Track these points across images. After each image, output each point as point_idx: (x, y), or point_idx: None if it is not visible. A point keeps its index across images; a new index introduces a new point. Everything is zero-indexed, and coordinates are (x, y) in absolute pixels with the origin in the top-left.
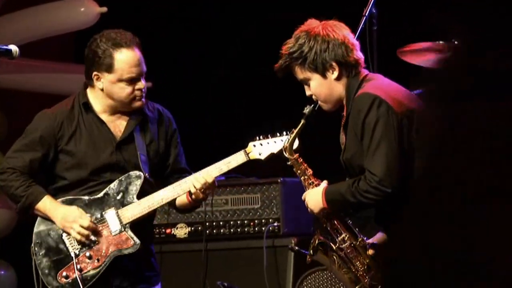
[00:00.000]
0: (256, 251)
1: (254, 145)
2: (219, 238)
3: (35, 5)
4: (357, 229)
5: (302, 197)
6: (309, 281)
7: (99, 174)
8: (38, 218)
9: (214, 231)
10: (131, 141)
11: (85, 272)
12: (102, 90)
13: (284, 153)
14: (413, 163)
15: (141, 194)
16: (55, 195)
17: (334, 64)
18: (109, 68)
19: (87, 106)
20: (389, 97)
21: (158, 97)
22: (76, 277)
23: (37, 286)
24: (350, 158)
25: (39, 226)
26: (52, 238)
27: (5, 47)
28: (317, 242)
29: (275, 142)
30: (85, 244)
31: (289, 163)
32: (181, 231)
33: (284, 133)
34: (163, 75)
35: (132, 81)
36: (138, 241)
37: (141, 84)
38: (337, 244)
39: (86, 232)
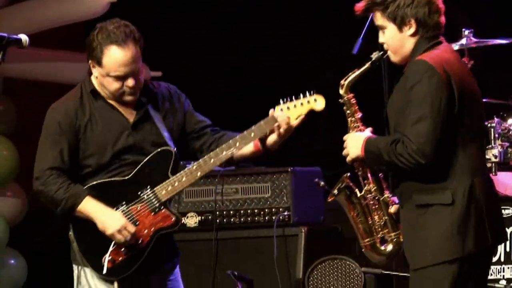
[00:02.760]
0: (266, 240)
1: (281, 109)
2: (229, 227)
3: None
4: (386, 185)
5: (344, 138)
6: (320, 270)
7: (119, 157)
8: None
9: (224, 220)
10: (145, 120)
11: (131, 254)
12: (97, 77)
13: (340, 89)
14: (454, 139)
15: (172, 170)
16: (82, 181)
17: (413, 21)
18: (99, 62)
19: (96, 93)
20: (444, 69)
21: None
22: (122, 259)
23: (78, 273)
24: (389, 114)
25: (78, 217)
26: (93, 226)
27: (15, 36)
28: (344, 184)
29: (301, 104)
30: (132, 233)
31: (341, 100)
32: (191, 220)
33: (308, 93)
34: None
35: (119, 78)
36: (179, 216)
37: (131, 81)
38: (362, 193)
39: (128, 234)
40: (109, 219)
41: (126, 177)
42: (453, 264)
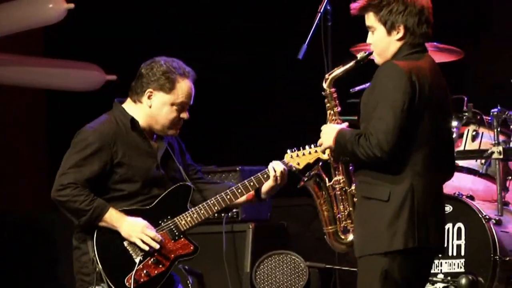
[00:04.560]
0: (216, 236)
1: (291, 156)
2: None
3: (3, 1)
4: (354, 178)
5: (321, 128)
6: (266, 264)
7: (148, 188)
8: (97, 230)
9: None
10: (168, 156)
11: (153, 276)
12: (150, 107)
13: (323, 82)
14: (407, 142)
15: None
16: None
17: (402, 27)
18: (169, 89)
19: (134, 123)
20: (412, 75)
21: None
22: (144, 281)
23: None
24: (360, 109)
25: (100, 237)
26: (115, 247)
27: None
28: (315, 172)
29: (309, 153)
30: (149, 251)
31: (323, 93)
32: None
33: (312, 145)
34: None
35: (181, 107)
36: (197, 246)
37: (186, 114)
38: (332, 183)
39: (153, 243)
40: (133, 224)
41: (148, 207)
42: (385, 255)
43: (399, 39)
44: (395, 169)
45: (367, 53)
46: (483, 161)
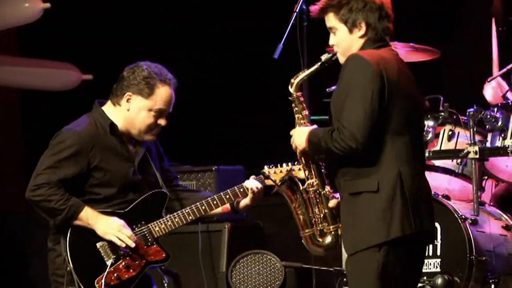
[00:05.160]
0: (192, 236)
1: (269, 172)
2: None
3: None
4: (328, 180)
5: (290, 133)
6: (242, 264)
7: (124, 192)
8: (70, 229)
9: None
10: (146, 161)
11: (123, 280)
12: (128, 110)
13: (289, 87)
14: (384, 131)
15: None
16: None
17: (363, 23)
18: (148, 95)
19: (113, 128)
20: (379, 65)
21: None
22: (114, 284)
23: None
24: (331, 107)
25: (73, 237)
26: (87, 248)
27: None
28: (288, 176)
29: (287, 170)
30: (120, 254)
31: (290, 98)
32: None
33: (295, 162)
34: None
35: (159, 113)
36: (169, 253)
37: (164, 121)
38: (305, 186)
39: (129, 241)
40: (109, 222)
41: (123, 210)
42: (380, 248)
43: (362, 36)
44: (378, 159)
45: (331, 54)
46: (459, 161)
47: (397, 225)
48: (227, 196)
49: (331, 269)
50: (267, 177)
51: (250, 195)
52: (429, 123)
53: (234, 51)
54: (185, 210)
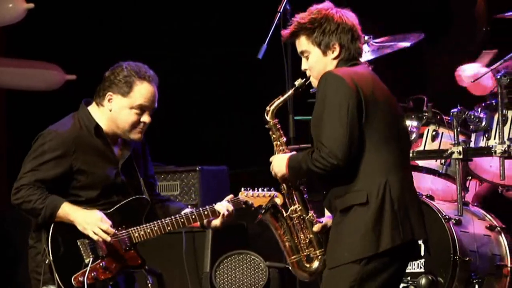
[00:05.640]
0: (176, 236)
1: (246, 195)
2: None
3: None
4: (310, 205)
5: (270, 160)
6: (226, 264)
7: (107, 194)
8: (53, 224)
9: None
10: (130, 164)
11: (100, 280)
12: (110, 110)
13: (266, 115)
14: (366, 144)
15: (146, 218)
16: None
17: (337, 45)
18: (126, 93)
19: (98, 130)
20: (352, 79)
21: None
22: (91, 283)
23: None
24: (311, 129)
25: (55, 232)
26: (68, 244)
27: None
28: (270, 204)
29: (264, 196)
30: (100, 254)
31: (267, 126)
32: None
33: (272, 188)
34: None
35: (141, 110)
36: (145, 260)
37: (147, 117)
38: (288, 213)
39: (104, 235)
40: (87, 215)
41: (105, 211)
42: (369, 261)
43: (335, 58)
44: (365, 171)
45: (304, 80)
46: (443, 161)
47: (387, 237)
48: (205, 213)
49: None
50: (246, 203)
51: (220, 219)
52: (413, 123)
53: (218, 51)
54: (164, 221)
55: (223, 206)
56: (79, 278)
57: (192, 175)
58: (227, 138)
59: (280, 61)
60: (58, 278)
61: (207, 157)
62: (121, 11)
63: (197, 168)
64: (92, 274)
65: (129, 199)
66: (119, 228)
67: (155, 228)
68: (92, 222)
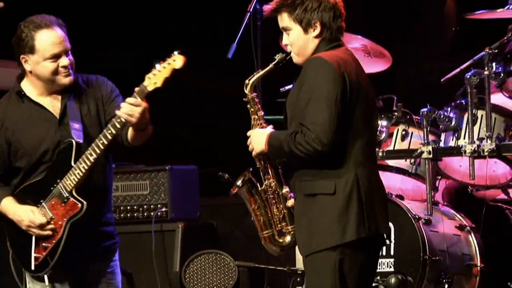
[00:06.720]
0: (145, 235)
1: (149, 78)
2: None
3: None
4: (284, 179)
5: (248, 134)
6: (196, 263)
7: (49, 154)
8: (6, 218)
9: None
10: (73, 112)
11: (52, 246)
12: (30, 72)
13: (244, 88)
14: (344, 132)
15: (75, 160)
16: (18, 186)
17: (318, 23)
18: (32, 49)
19: (21, 94)
20: (339, 66)
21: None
22: (46, 254)
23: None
24: (287, 107)
25: (6, 221)
26: (16, 228)
27: None
28: (247, 178)
29: (163, 67)
30: (43, 224)
31: (245, 99)
32: None
33: (161, 61)
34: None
35: (54, 58)
36: (84, 202)
37: (65, 60)
38: (263, 187)
39: (37, 231)
40: (21, 214)
41: (39, 178)
42: (334, 251)
43: (317, 36)
44: (336, 162)
45: (285, 54)
46: (412, 160)
47: (352, 228)
48: (118, 121)
49: (285, 268)
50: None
51: (129, 120)
52: (382, 122)
53: (188, 50)
54: (87, 151)
55: (122, 111)
56: (34, 256)
57: (161, 175)
58: (196, 138)
59: (250, 61)
60: (24, 268)
61: (177, 156)
62: (91, 9)
63: (167, 168)
64: (42, 245)
65: (57, 151)
66: (55, 184)
67: (81, 165)
68: (26, 222)
